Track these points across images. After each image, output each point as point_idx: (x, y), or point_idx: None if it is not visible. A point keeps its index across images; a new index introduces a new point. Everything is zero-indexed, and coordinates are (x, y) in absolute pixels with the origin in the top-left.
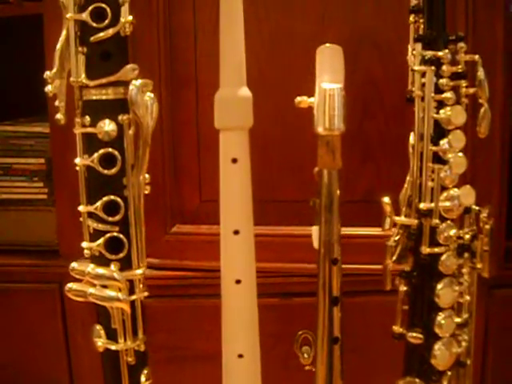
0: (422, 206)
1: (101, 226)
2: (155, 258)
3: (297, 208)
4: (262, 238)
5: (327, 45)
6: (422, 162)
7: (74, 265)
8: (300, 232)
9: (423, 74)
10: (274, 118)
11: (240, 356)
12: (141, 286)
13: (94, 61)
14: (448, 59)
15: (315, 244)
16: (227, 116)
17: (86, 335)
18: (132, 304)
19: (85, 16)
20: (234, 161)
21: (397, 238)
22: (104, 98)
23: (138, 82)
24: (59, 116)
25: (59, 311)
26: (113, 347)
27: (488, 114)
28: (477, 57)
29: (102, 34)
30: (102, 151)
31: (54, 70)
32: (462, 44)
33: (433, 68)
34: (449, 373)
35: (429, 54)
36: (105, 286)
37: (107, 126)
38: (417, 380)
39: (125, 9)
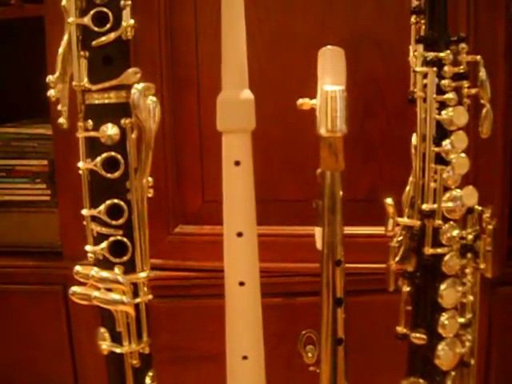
0: (424, 206)
1: (104, 230)
2: (158, 259)
3: (299, 208)
4: (265, 238)
5: (329, 47)
6: (425, 163)
7: (78, 268)
8: (302, 232)
9: (425, 75)
10: (275, 118)
11: (244, 358)
12: (145, 288)
13: (96, 65)
14: (450, 60)
15: (318, 245)
16: (229, 118)
17: (90, 337)
18: (136, 307)
19: (86, 20)
20: (237, 163)
21: (400, 238)
22: (106, 101)
23: (140, 85)
24: (62, 120)
25: (63, 313)
26: (117, 350)
27: (490, 114)
28: (478, 57)
29: (103, 39)
30: (104, 155)
31: (57, 74)
32: (463, 45)
33: (434, 69)
34: (452, 373)
35: (430, 55)
36: (109, 290)
37: (110, 129)
38: (421, 380)
39: (126, 13)
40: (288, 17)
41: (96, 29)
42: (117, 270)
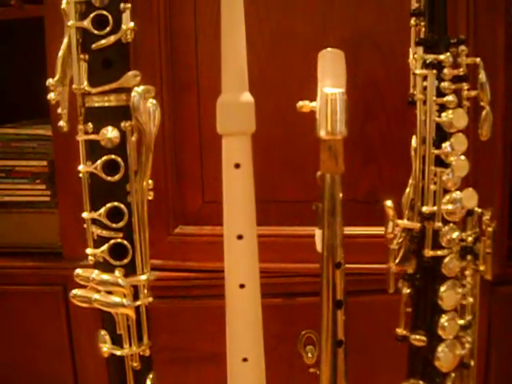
0: (424, 209)
1: (105, 233)
2: (158, 260)
3: (299, 208)
4: (265, 239)
5: (329, 49)
6: (425, 166)
7: (78, 271)
8: (302, 232)
9: (425, 78)
10: (275, 118)
11: (244, 360)
12: (145, 291)
13: (95, 68)
14: (449, 62)
15: (318, 248)
16: (229, 121)
17: (90, 337)
18: (137, 309)
19: (86, 23)
20: (237, 166)
21: (399, 240)
22: (106, 104)
23: (141, 88)
24: (62, 123)
25: (63, 313)
26: (118, 353)
27: (490, 116)
28: (478, 60)
29: (103, 42)
30: (105, 158)
31: (57, 77)
32: (463, 47)
33: (434, 71)
34: (452, 374)
35: (430, 57)
36: (109, 292)
37: (110, 132)
38: (421, 382)
39: (126, 16)
40: (288, 17)
41: (96, 32)
42: (117, 272)
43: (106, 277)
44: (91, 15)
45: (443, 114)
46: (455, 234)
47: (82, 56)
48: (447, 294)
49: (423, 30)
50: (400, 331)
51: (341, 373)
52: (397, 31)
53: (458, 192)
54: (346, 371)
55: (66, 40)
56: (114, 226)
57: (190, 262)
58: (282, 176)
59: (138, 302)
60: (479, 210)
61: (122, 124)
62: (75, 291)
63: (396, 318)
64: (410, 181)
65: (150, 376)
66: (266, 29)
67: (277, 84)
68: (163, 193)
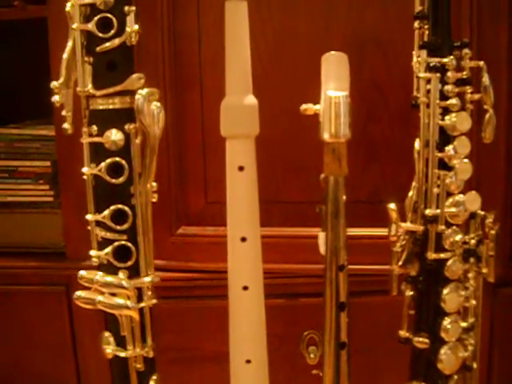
0: (427, 212)
1: (109, 235)
2: (161, 260)
3: (302, 209)
4: (268, 240)
5: (332, 52)
6: (428, 169)
7: (82, 273)
8: (305, 233)
9: (428, 81)
10: (278, 119)
11: (248, 361)
12: (149, 293)
13: (100, 70)
14: (453, 66)
15: (322, 250)
16: (233, 124)
17: (92, 337)
18: (140, 311)
19: (91, 26)
20: (241, 169)
21: (403, 243)
22: (111, 107)
23: (145, 91)
24: (66, 125)
25: (66, 314)
26: (122, 354)
27: (493, 119)
28: (482, 63)
29: (108, 44)
30: (109, 160)
31: (61, 79)
32: (466, 50)
33: (438, 75)
34: (455, 377)
35: (434, 61)
36: (113, 294)
37: (114, 135)
38: None
39: (130, 18)
40: (291, 17)
41: (100, 35)
42: (121, 274)
43: (109, 279)
44: (96, 18)
45: (446, 117)
46: (458, 237)
47: (86, 59)
48: (450, 297)
49: (427, 33)
50: (403, 333)
51: (344, 375)
52: (400, 33)
53: (461, 195)
54: (348, 373)
55: (70, 43)
56: (118, 228)
57: (193, 263)
58: (285, 177)
59: (142, 304)
60: (482, 213)
61: (127, 126)
62: (79, 293)
63: (398, 318)
64: (414, 183)
65: (154, 377)
66: (269, 29)
67: (279, 84)
68: (166, 193)
